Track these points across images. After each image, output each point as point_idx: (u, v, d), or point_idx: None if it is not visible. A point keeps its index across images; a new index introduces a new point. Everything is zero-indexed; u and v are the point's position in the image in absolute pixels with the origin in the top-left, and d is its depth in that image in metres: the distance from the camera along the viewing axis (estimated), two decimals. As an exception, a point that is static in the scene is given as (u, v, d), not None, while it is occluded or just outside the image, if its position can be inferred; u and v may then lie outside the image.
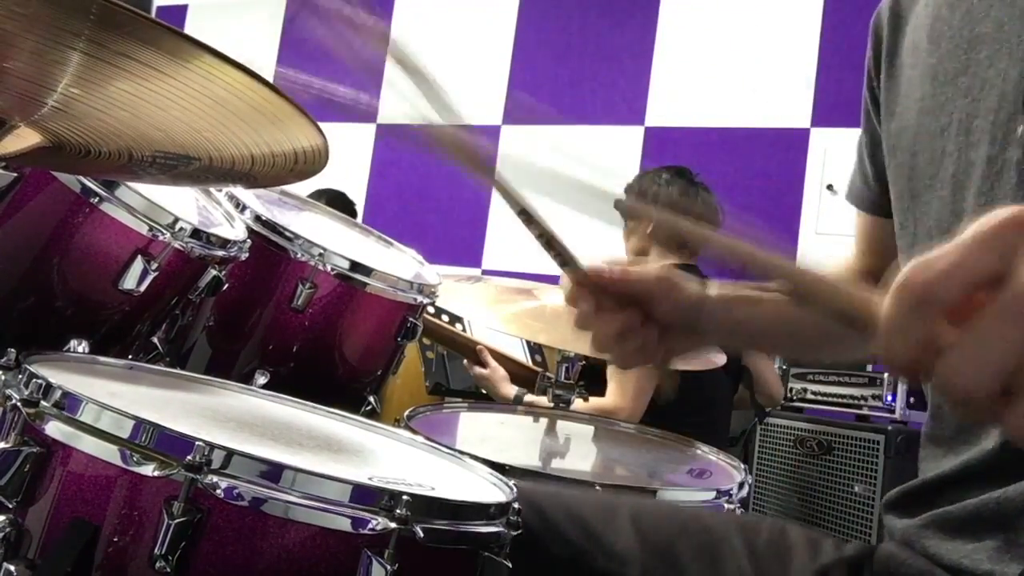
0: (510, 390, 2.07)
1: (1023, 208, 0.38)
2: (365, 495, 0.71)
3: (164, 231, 1.09)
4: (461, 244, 4.03)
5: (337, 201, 3.23)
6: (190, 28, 4.76)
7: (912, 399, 2.53)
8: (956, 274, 0.38)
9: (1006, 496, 0.70)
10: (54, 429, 0.72)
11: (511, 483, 0.89)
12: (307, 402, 1.08)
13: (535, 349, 2.48)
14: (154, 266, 1.08)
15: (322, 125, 0.75)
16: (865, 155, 0.97)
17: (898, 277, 0.39)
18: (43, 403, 0.73)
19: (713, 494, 1.27)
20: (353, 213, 3.44)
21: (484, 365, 2.10)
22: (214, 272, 1.20)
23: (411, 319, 1.49)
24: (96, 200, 1.05)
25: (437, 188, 4.13)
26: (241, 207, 1.37)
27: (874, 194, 0.96)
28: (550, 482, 1.17)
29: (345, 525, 0.70)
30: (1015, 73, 0.72)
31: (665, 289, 0.82)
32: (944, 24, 0.81)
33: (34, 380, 0.75)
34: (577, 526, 0.85)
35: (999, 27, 0.75)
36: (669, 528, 0.87)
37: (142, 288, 1.09)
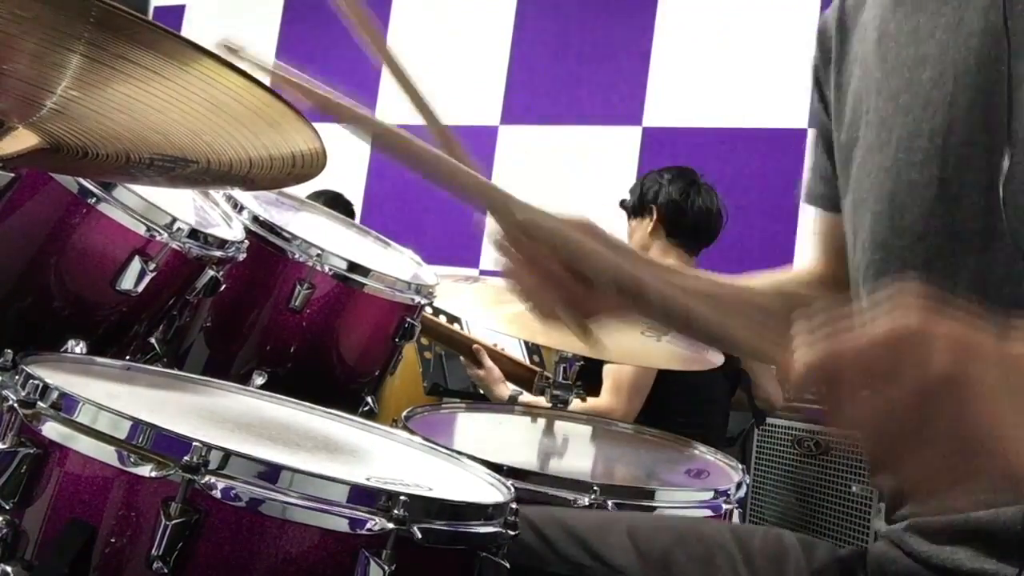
0: (505, 391, 2.07)
1: (928, 319, 0.50)
2: (363, 496, 0.71)
3: (161, 231, 1.09)
4: (459, 244, 4.03)
5: (335, 202, 3.23)
6: (188, 28, 4.75)
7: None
8: (859, 363, 0.51)
9: (975, 516, 0.72)
10: (51, 430, 0.72)
11: (509, 483, 0.89)
12: (305, 403, 1.08)
13: (533, 349, 2.48)
14: (151, 266, 1.08)
15: (320, 126, 0.75)
16: (820, 153, 0.97)
17: (816, 353, 0.52)
18: (40, 404, 0.73)
19: (711, 494, 1.27)
20: (351, 214, 3.44)
21: (481, 365, 2.10)
22: (212, 272, 1.20)
23: (409, 319, 1.49)
24: (93, 200, 1.05)
25: (435, 188, 4.13)
26: (239, 207, 1.37)
27: (833, 190, 0.96)
28: (548, 483, 1.17)
29: (343, 526, 0.70)
30: (965, 99, 0.74)
31: (581, 236, 0.83)
32: (891, 40, 0.81)
33: (31, 381, 0.75)
34: (575, 542, 0.86)
35: (943, 50, 0.76)
36: (665, 540, 0.87)
37: (139, 288, 1.09)
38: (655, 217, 2.45)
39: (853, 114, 0.86)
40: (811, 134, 0.99)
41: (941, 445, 0.49)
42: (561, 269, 0.80)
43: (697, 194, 2.45)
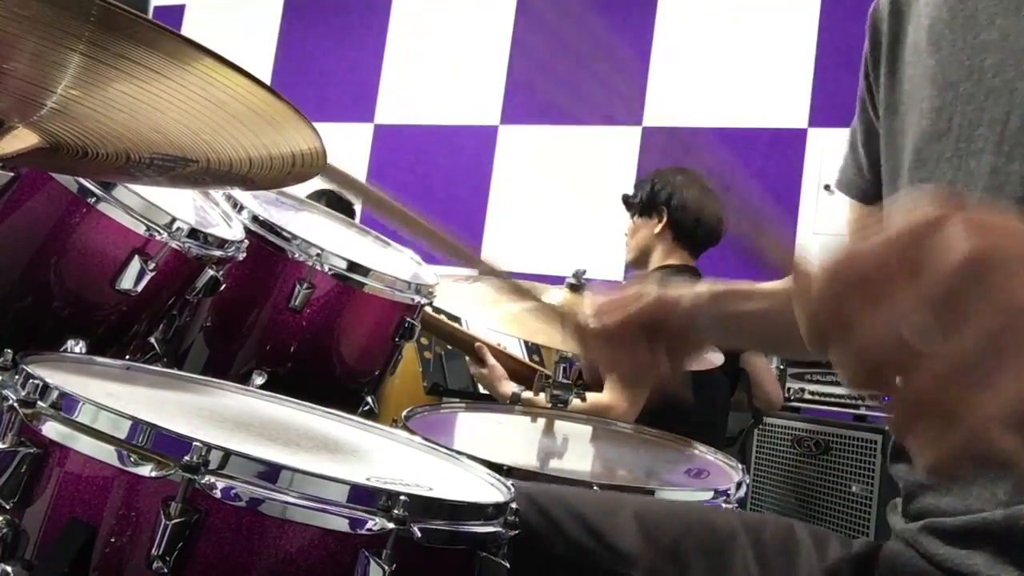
0: (509, 388, 2.07)
1: (946, 208, 0.44)
2: (363, 495, 0.71)
3: (161, 231, 1.09)
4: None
5: (337, 202, 3.23)
6: (188, 27, 4.75)
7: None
8: (875, 262, 0.44)
9: (992, 517, 0.71)
10: (51, 430, 0.72)
11: (509, 483, 0.89)
12: (304, 402, 1.08)
13: (533, 349, 2.48)
14: (151, 266, 1.08)
15: (320, 125, 0.75)
16: (860, 144, 0.96)
17: (830, 257, 0.46)
18: (40, 403, 0.73)
19: (711, 494, 1.27)
20: (352, 214, 3.43)
21: (483, 363, 2.10)
22: (211, 272, 1.20)
23: (409, 319, 1.49)
24: (93, 200, 1.05)
25: (435, 188, 4.13)
26: (238, 207, 1.37)
27: (867, 184, 0.95)
28: (548, 482, 1.17)
29: (343, 525, 0.70)
30: (1023, 85, 0.72)
31: (664, 309, 0.87)
32: (944, 27, 0.80)
33: (31, 380, 0.75)
34: (580, 525, 0.85)
35: (1004, 37, 0.74)
36: (674, 527, 0.86)
37: (139, 288, 1.09)
38: (665, 220, 2.44)
39: (907, 103, 0.84)
40: (853, 124, 0.98)
41: (978, 340, 0.41)
42: (637, 343, 0.85)
43: (710, 201, 2.45)
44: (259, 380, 1.34)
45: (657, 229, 2.46)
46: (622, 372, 0.87)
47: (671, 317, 0.87)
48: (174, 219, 1.10)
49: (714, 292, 0.93)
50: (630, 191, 2.60)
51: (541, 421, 1.66)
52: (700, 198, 2.44)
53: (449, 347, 2.30)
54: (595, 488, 1.15)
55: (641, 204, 2.50)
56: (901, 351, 0.43)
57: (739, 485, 1.32)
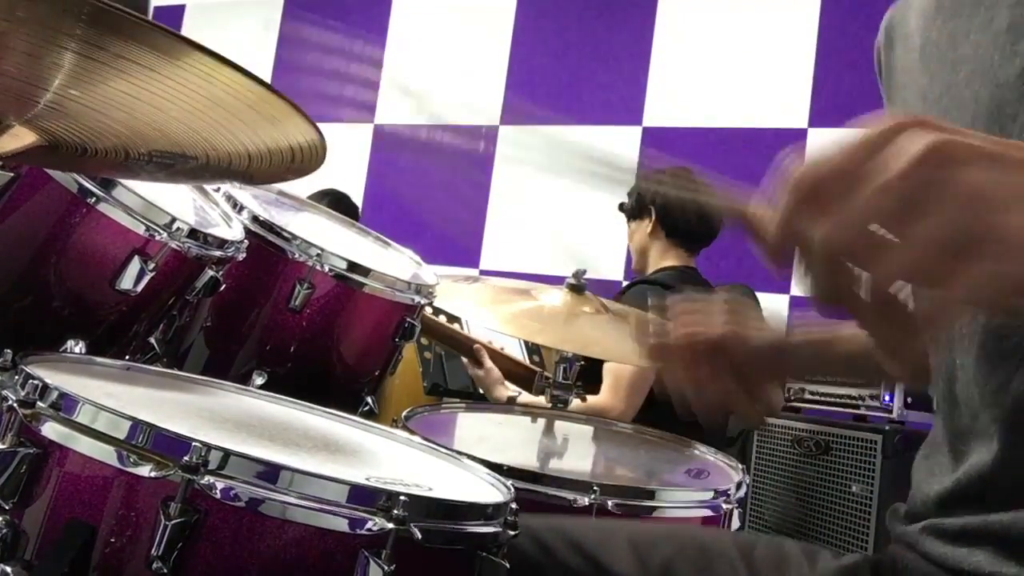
0: (504, 391, 2.07)
1: (907, 118, 0.46)
2: (362, 496, 0.71)
3: (161, 231, 1.09)
4: (459, 244, 4.03)
5: (340, 203, 3.23)
6: (187, 28, 4.75)
7: (910, 399, 2.53)
8: (841, 170, 0.46)
9: (995, 519, 0.71)
10: (50, 430, 0.72)
11: (508, 483, 0.89)
12: (304, 402, 1.08)
13: (533, 349, 2.48)
14: (151, 266, 1.08)
15: (320, 125, 0.75)
16: None
17: (791, 174, 0.47)
18: (40, 404, 0.73)
19: (711, 494, 1.27)
20: (356, 215, 3.44)
21: (481, 365, 2.10)
22: (211, 272, 1.20)
23: (409, 319, 1.49)
24: (93, 200, 1.04)
25: (435, 188, 4.13)
26: (238, 207, 1.36)
27: None
28: (548, 483, 1.17)
29: (342, 526, 0.70)
30: (986, 94, 0.74)
31: (735, 343, 0.85)
32: (933, 46, 0.82)
33: (30, 381, 0.75)
34: (576, 553, 0.86)
35: (976, 49, 0.76)
36: (666, 549, 0.87)
37: (139, 288, 1.09)
38: (653, 218, 2.47)
39: None
40: None
41: (942, 226, 0.43)
42: (701, 372, 0.83)
43: (694, 194, 2.47)
44: (259, 380, 1.34)
45: (648, 229, 2.49)
46: (678, 386, 0.85)
47: (745, 353, 0.84)
48: (174, 219, 1.10)
49: (803, 338, 0.90)
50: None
51: (541, 421, 1.66)
52: (683, 192, 2.46)
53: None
54: (595, 488, 1.15)
55: (632, 208, 2.54)
56: (865, 243, 0.44)
57: (739, 485, 1.32)
